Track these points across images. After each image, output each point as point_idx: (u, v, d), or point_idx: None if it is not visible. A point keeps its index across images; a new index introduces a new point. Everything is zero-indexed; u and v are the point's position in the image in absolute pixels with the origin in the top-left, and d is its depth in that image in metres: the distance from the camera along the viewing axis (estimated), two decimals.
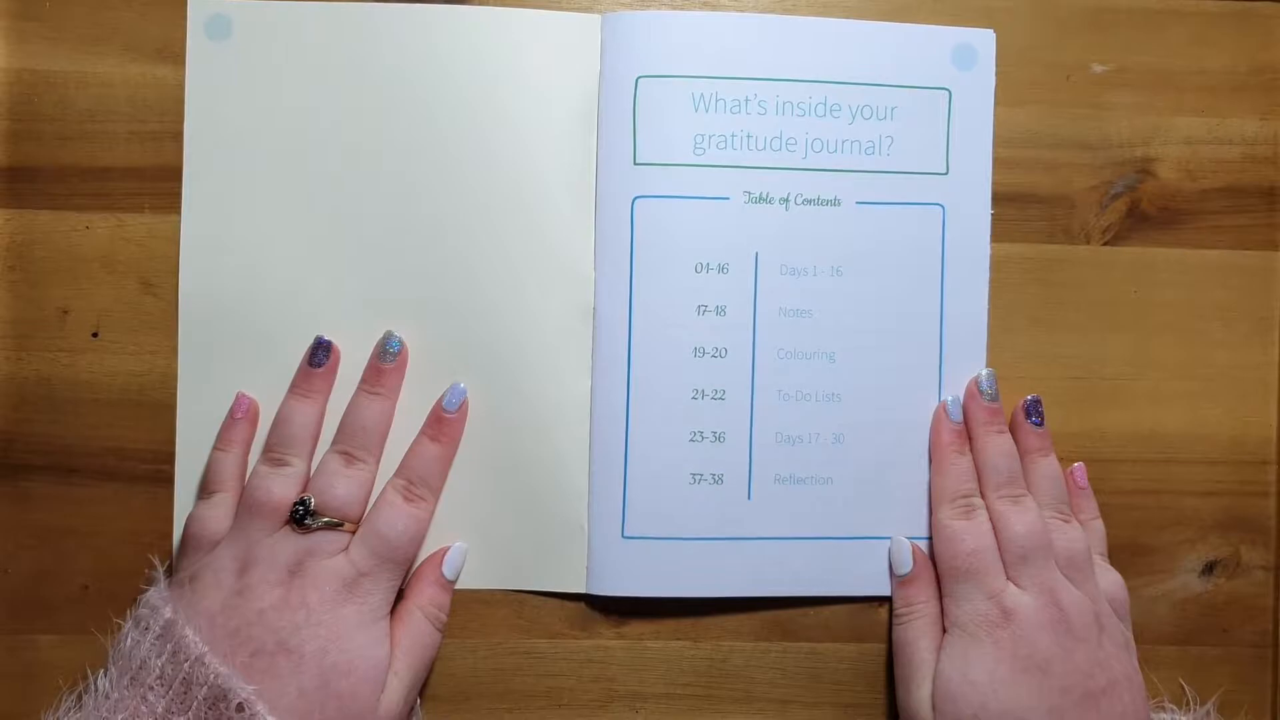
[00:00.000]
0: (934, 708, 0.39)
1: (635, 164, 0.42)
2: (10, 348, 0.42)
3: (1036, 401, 0.43)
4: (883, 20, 0.44)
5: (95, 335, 0.42)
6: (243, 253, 0.42)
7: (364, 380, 0.42)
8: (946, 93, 0.43)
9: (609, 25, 0.42)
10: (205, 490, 0.41)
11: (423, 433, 0.42)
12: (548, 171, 0.42)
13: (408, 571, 0.41)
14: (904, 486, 0.43)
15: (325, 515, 0.39)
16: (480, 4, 0.43)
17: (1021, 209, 0.44)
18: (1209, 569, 0.45)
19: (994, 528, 0.41)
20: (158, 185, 0.42)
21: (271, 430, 0.41)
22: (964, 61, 0.44)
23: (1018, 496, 0.41)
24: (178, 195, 0.42)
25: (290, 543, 0.38)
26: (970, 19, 0.44)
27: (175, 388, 0.42)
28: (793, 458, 0.43)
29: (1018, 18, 0.44)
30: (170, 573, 0.41)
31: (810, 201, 0.43)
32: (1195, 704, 0.43)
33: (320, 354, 0.42)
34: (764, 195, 0.43)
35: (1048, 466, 0.42)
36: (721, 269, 0.42)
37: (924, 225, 0.43)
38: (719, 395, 0.42)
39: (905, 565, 0.42)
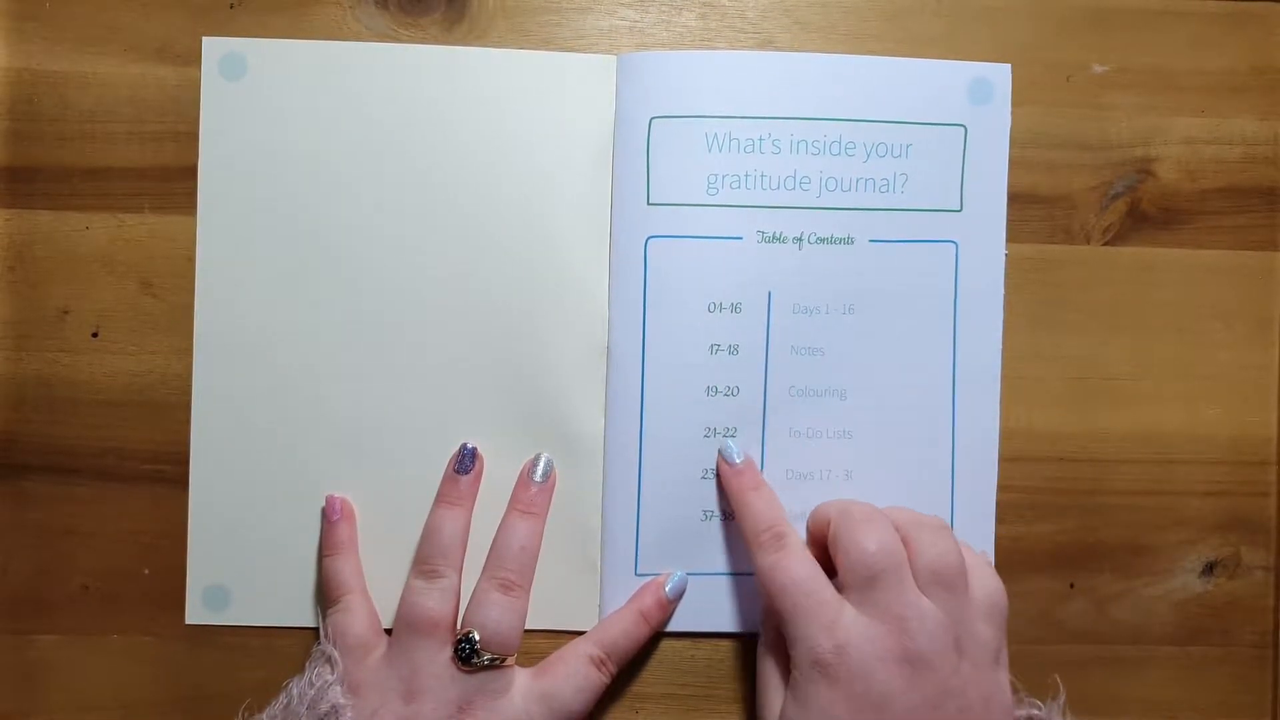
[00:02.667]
0: None
1: (649, 204, 0.42)
2: (10, 348, 0.42)
3: None
4: (883, 29, 0.44)
5: (95, 335, 0.42)
6: (258, 290, 0.42)
7: (515, 501, 0.42)
8: (962, 129, 0.43)
9: (624, 66, 0.42)
10: (331, 598, 0.41)
11: (627, 607, 0.42)
12: (564, 211, 0.42)
13: None
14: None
15: (489, 651, 0.39)
16: (497, 46, 0.43)
17: (1021, 209, 0.44)
18: (1209, 569, 0.45)
19: (840, 551, 0.37)
20: (158, 185, 0.42)
21: (422, 541, 0.41)
22: (980, 96, 0.43)
23: (870, 514, 0.38)
24: (178, 196, 0.42)
25: (457, 681, 0.38)
26: (970, 19, 0.44)
27: (175, 388, 0.42)
28: (803, 494, 0.43)
29: (1018, 18, 0.44)
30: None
31: (823, 240, 0.43)
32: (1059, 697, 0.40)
33: (466, 461, 0.42)
34: (777, 235, 0.42)
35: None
36: (734, 308, 0.42)
37: (937, 262, 0.43)
38: (730, 434, 0.42)
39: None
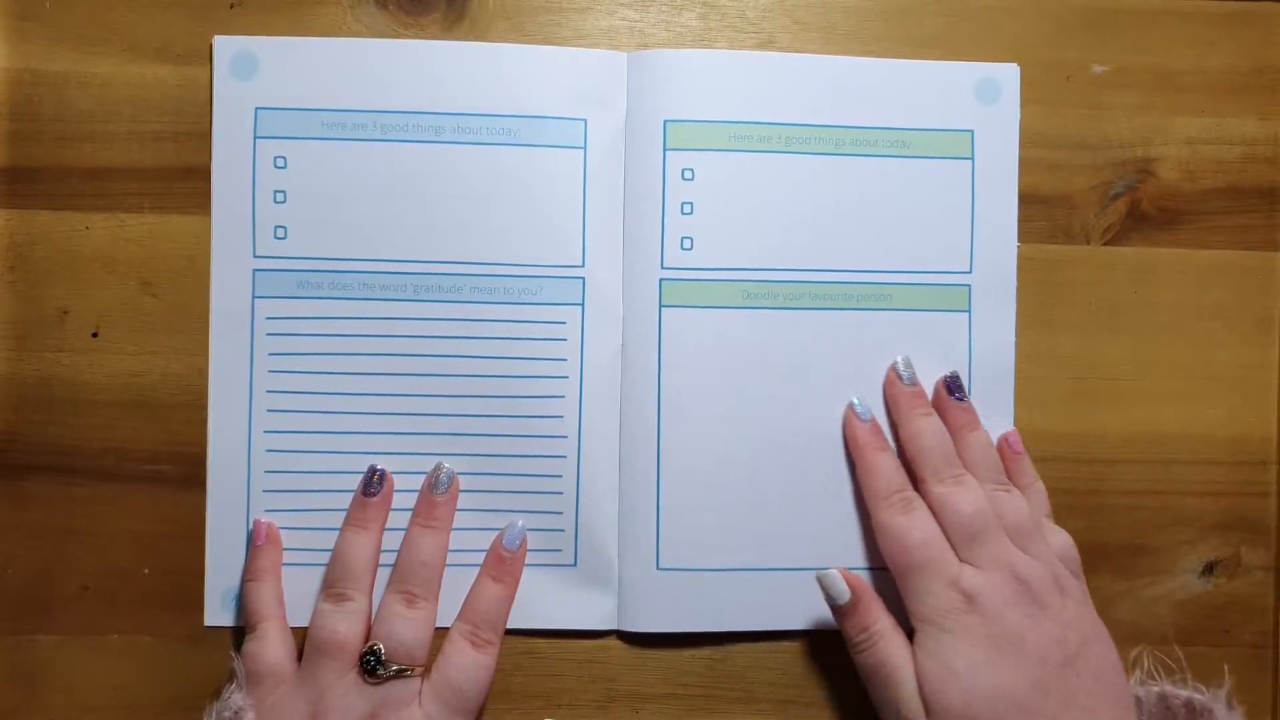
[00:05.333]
0: (925, 708, 0.38)
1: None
2: (10, 348, 0.42)
3: (955, 376, 0.43)
4: (883, 29, 0.44)
5: (95, 335, 0.42)
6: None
7: (417, 514, 0.42)
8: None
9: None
10: (249, 624, 0.41)
11: (484, 572, 0.42)
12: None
13: (481, 714, 0.41)
14: None
15: (395, 662, 0.39)
16: (501, 40, 0.43)
17: (1022, 209, 0.44)
18: (1209, 569, 0.45)
19: (937, 513, 0.40)
20: (158, 185, 0.42)
21: (330, 564, 0.41)
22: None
23: (958, 476, 0.40)
24: (178, 196, 0.42)
25: (363, 695, 0.38)
26: (970, 19, 0.44)
27: (175, 387, 0.42)
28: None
29: (1018, 18, 0.44)
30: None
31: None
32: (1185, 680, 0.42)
33: (374, 484, 0.42)
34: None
35: (978, 439, 0.42)
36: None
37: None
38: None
39: (843, 595, 0.40)
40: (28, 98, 0.42)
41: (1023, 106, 0.44)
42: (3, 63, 0.42)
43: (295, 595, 0.42)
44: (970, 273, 0.43)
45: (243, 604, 0.41)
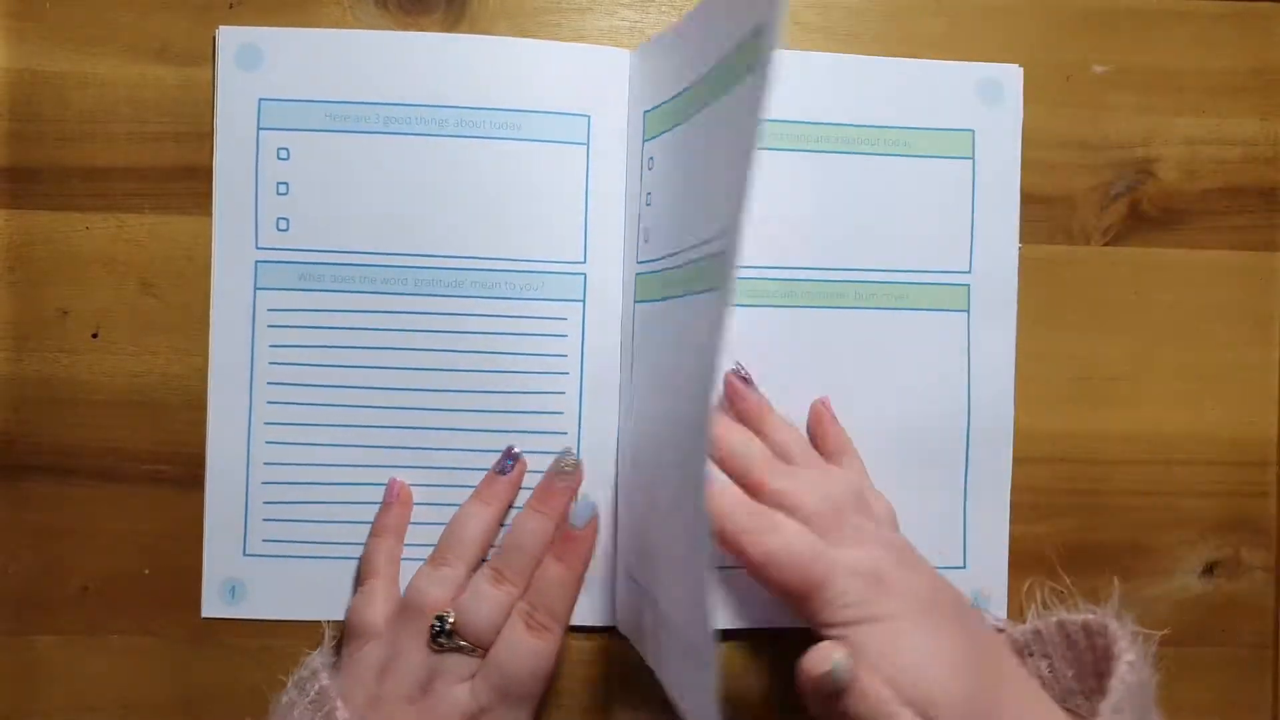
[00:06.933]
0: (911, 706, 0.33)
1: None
2: (10, 348, 0.42)
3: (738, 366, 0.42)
4: (883, 29, 0.44)
5: (95, 336, 0.42)
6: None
7: (533, 498, 0.41)
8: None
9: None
10: (360, 579, 0.41)
11: (550, 552, 0.40)
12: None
13: (537, 703, 0.39)
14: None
15: (462, 636, 0.38)
16: (506, 34, 0.43)
17: (1022, 209, 0.44)
18: (1209, 570, 0.45)
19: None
20: (158, 185, 0.42)
21: (445, 530, 0.41)
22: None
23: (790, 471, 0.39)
24: (178, 196, 0.42)
25: (424, 661, 0.38)
26: (971, 19, 0.44)
27: (175, 388, 0.42)
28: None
29: (1018, 18, 0.44)
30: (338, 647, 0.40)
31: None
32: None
33: (507, 463, 0.42)
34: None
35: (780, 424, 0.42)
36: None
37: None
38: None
39: (846, 676, 0.33)
40: (28, 98, 0.42)
41: (1023, 106, 0.44)
42: (3, 63, 0.42)
43: (299, 590, 0.42)
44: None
45: (362, 558, 0.42)
